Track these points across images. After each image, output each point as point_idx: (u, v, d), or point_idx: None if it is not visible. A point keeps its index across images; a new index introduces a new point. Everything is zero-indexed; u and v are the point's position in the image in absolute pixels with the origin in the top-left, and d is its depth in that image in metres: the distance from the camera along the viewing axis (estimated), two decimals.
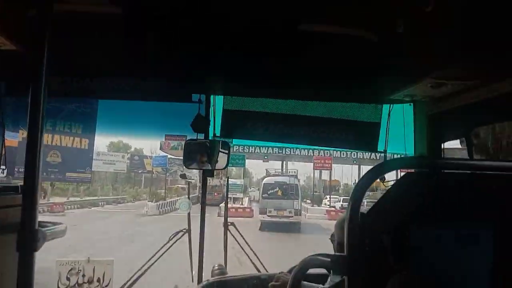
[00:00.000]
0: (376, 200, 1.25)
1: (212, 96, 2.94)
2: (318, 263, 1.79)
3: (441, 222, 1.18)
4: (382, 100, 2.84)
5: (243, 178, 36.96)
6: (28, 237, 1.12)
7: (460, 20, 1.75)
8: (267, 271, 3.10)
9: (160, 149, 32.67)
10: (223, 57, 2.36)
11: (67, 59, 2.20)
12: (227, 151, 2.95)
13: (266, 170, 36.67)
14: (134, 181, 52.01)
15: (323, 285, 2.39)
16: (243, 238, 3.48)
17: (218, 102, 2.97)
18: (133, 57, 2.41)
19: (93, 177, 41.84)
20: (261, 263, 3.32)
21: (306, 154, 36.55)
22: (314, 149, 31.47)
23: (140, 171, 47.64)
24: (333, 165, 36.11)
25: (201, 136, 2.94)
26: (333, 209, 29.88)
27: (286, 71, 2.54)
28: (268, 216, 23.14)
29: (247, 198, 32.60)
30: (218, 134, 2.96)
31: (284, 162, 42.89)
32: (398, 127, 2.85)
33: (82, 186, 38.15)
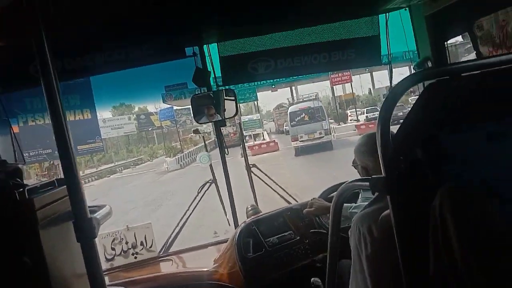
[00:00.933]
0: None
1: (205, 46, 3.00)
2: (356, 188, 1.94)
3: (470, 125, 1.23)
4: (377, 11, 2.86)
5: (259, 112, 35.97)
6: (85, 227, 1.21)
7: None
8: (297, 201, 3.33)
9: (163, 102, 32.44)
10: (209, 3, 2.37)
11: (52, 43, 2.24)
12: (233, 98, 3.06)
13: (289, 100, 36.93)
14: (147, 139, 52.78)
15: (356, 203, 2.58)
16: (267, 176, 3.69)
17: (213, 51, 3.03)
18: (118, 24, 2.44)
19: (105, 145, 42.66)
20: (290, 195, 3.56)
21: (316, 74, 35.88)
22: None
23: (150, 129, 48.25)
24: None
25: (205, 89, 3.05)
26: (362, 122, 30.07)
27: (275, 2, 2.55)
28: (301, 141, 24.85)
29: (264, 132, 32.54)
30: (220, 83, 3.06)
31: (294, 88, 42.58)
32: (397, 35, 2.89)
33: (96, 156, 38.87)
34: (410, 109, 1.30)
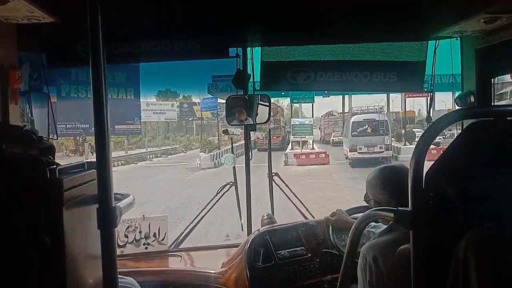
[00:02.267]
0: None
1: (249, 49, 3.18)
2: (380, 217, 2.02)
3: (507, 169, 1.25)
4: (427, 37, 2.94)
5: (313, 117, 33.54)
6: (107, 215, 1.28)
7: None
8: (314, 218, 3.47)
9: (208, 93, 32.48)
10: (258, 6, 2.52)
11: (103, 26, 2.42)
12: (267, 104, 3.23)
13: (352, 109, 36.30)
14: (186, 129, 53.77)
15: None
16: (288, 187, 3.82)
17: (256, 55, 3.20)
18: (167, 17, 2.66)
19: (145, 128, 43.71)
20: (308, 210, 3.69)
21: None
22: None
23: (190, 119, 49.18)
24: (391, 94, 33.97)
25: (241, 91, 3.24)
26: (433, 146, 29.28)
27: (325, 14, 2.67)
28: (359, 153, 25.31)
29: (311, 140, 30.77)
30: (257, 87, 3.24)
31: (348, 97, 41.97)
32: (443, 64, 2.96)
33: (131, 138, 39.64)
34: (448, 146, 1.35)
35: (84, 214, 1.44)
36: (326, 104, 47.93)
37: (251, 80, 3.19)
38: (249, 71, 3.18)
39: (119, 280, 2.23)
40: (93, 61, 1.30)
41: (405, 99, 34.63)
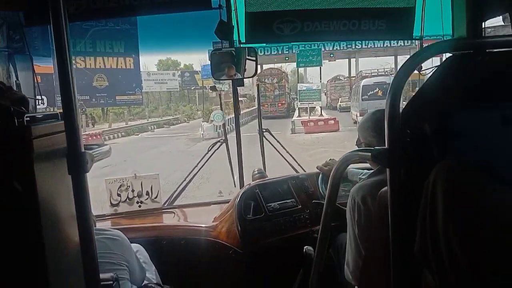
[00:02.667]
0: None
1: (232, 0, 3.17)
2: (358, 158, 2.05)
3: (486, 105, 1.21)
4: None
5: (321, 81, 32.65)
6: (77, 160, 1.33)
7: None
8: (304, 171, 3.53)
9: (209, 60, 32.11)
10: None
11: None
12: (254, 58, 3.23)
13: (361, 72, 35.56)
14: (188, 98, 53.74)
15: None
16: (279, 143, 3.87)
17: (240, 6, 3.17)
18: None
19: (147, 98, 43.49)
20: (299, 165, 3.75)
21: (381, 46, 34.62)
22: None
23: (193, 88, 49.06)
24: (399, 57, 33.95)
25: (226, 44, 3.23)
26: None
27: None
28: None
29: (319, 106, 30.24)
30: (243, 40, 3.23)
31: (354, 59, 41.57)
32: (433, 9, 2.93)
33: (134, 109, 39.43)
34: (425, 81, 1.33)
35: (58, 164, 1.44)
36: (332, 68, 47.57)
37: (236, 33, 3.18)
38: (234, 23, 3.16)
39: (105, 232, 2.29)
40: (54, 20, 1.28)
41: None
